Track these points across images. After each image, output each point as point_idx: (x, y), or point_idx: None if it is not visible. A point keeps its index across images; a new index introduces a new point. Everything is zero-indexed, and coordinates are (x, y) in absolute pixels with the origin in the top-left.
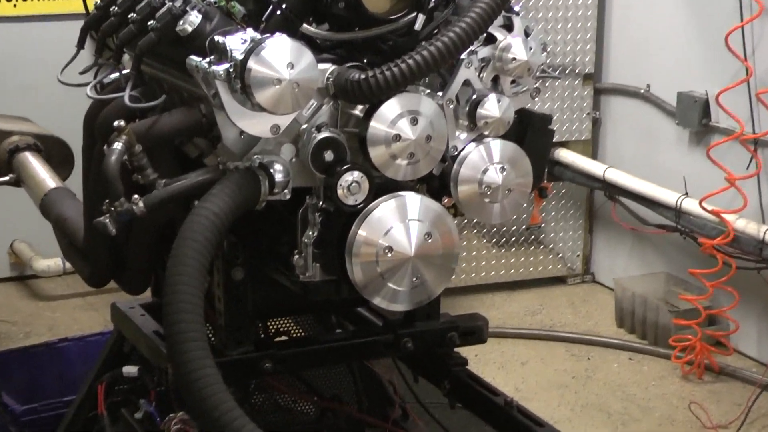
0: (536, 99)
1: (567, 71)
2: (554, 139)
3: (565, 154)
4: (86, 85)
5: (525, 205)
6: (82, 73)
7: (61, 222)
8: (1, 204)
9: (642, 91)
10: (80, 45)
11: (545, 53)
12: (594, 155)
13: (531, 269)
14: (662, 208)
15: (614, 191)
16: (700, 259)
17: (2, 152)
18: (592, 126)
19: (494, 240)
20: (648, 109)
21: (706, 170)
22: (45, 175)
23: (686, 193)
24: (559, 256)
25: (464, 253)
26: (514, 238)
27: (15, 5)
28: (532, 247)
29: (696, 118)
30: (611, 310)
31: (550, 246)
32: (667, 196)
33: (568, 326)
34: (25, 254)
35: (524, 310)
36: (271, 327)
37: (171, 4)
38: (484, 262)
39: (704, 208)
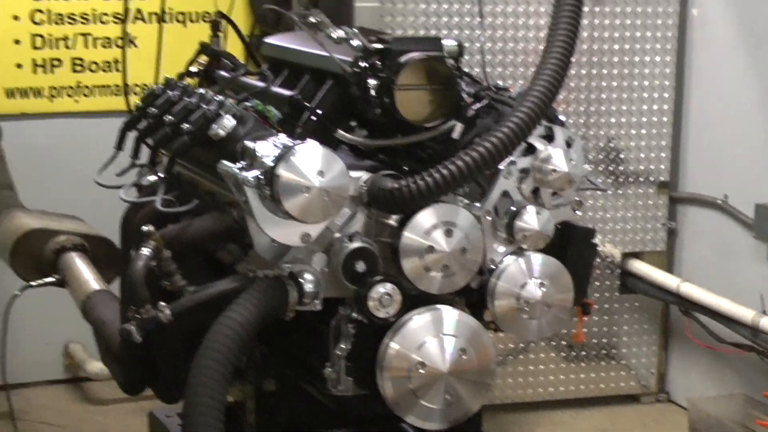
0: (578, 211)
1: (641, 179)
2: (628, 250)
3: (638, 266)
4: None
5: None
6: (119, 174)
7: (100, 326)
8: (57, 305)
9: (719, 201)
10: (118, 146)
11: (618, 161)
12: (670, 268)
13: (602, 385)
14: (738, 326)
15: (689, 306)
16: None
17: (48, 252)
18: (667, 237)
19: (562, 353)
20: (725, 221)
21: None
22: (89, 277)
23: (764, 311)
24: (632, 372)
25: (531, 367)
26: (584, 352)
27: (77, 101)
28: (603, 363)
29: None
30: None
31: (622, 362)
32: (743, 313)
33: None
34: (78, 356)
35: (593, 429)
36: None
37: (206, 107)
38: (552, 377)
39: None
